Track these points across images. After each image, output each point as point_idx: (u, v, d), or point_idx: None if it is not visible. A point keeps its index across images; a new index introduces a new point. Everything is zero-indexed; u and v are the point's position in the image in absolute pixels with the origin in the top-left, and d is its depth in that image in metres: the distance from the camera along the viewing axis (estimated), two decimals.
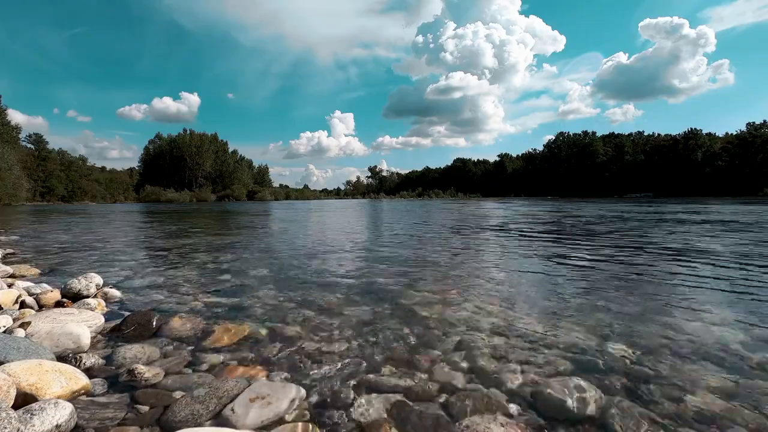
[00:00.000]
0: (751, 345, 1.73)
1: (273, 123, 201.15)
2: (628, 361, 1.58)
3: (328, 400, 1.31)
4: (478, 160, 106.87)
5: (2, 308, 2.13)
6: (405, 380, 1.43)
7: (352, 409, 1.24)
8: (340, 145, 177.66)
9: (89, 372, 1.46)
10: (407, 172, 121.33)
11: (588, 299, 2.49)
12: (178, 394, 1.32)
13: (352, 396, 1.33)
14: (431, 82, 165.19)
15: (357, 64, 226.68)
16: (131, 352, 1.63)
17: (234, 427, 1.13)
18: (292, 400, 1.27)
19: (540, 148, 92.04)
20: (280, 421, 1.19)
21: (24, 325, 1.74)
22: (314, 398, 1.32)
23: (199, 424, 1.15)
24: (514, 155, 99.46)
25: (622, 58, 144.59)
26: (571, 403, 1.26)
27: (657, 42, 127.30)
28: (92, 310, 2.17)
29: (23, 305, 2.22)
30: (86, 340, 1.71)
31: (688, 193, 55.97)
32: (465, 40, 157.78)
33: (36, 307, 2.25)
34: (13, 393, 1.14)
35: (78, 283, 2.49)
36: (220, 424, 1.16)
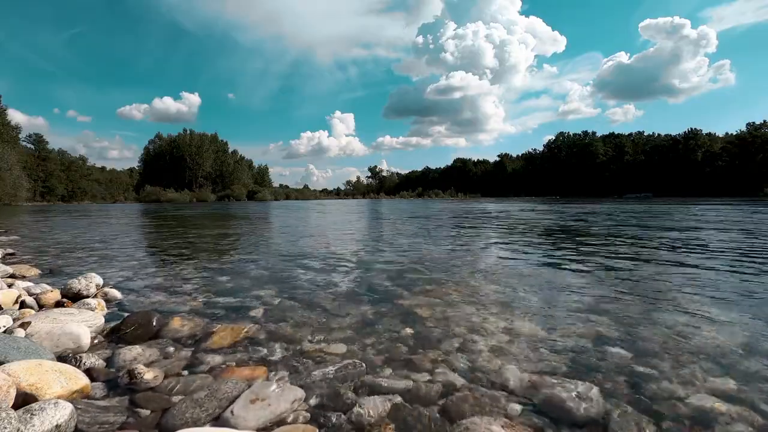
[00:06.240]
0: (752, 345, 1.73)
1: (273, 123, 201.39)
2: (628, 362, 1.58)
3: (328, 401, 1.31)
4: (478, 160, 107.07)
5: (2, 308, 2.13)
6: (405, 381, 1.43)
7: (352, 411, 1.24)
8: (340, 145, 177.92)
9: (89, 372, 1.46)
10: (407, 172, 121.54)
11: (588, 300, 2.48)
12: (177, 397, 1.32)
13: (352, 397, 1.32)
14: (431, 82, 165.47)
15: (357, 64, 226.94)
16: (131, 353, 1.63)
17: (234, 428, 1.13)
18: (292, 402, 1.26)
19: (540, 148, 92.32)
20: (280, 422, 1.19)
21: (24, 325, 1.73)
22: (314, 400, 1.31)
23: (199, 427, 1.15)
24: (515, 155, 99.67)
25: (622, 58, 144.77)
26: (571, 404, 1.26)
27: (658, 42, 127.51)
28: (92, 310, 2.17)
29: (23, 305, 2.22)
30: (86, 341, 1.71)
31: (688, 194, 55.95)
32: (465, 40, 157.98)
33: (36, 307, 2.25)
34: (13, 393, 1.14)
35: (78, 284, 2.49)
36: (220, 426, 1.16)
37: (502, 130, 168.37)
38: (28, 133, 60.99)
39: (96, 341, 1.80)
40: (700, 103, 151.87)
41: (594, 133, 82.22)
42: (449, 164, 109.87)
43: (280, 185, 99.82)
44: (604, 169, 74.63)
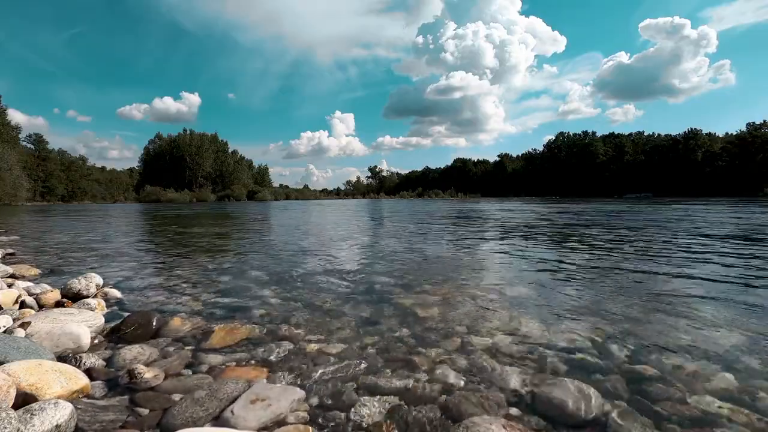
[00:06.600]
0: (752, 345, 1.73)
1: (273, 123, 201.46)
2: (628, 363, 1.58)
3: (329, 401, 1.31)
4: (478, 160, 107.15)
5: (2, 308, 2.13)
6: (405, 381, 1.43)
7: (352, 411, 1.24)
8: (340, 145, 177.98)
9: (89, 372, 1.46)
10: (407, 172, 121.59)
11: (588, 300, 2.49)
12: (177, 397, 1.32)
13: (352, 397, 1.32)
14: (431, 82, 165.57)
15: (357, 64, 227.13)
16: (131, 353, 1.63)
17: (234, 428, 1.13)
18: (292, 402, 1.26)
19: (540, 148, 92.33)
20: (280, 422, 1.18)
21: (24, 325, 1.73)
22: (314, 400, 1.31)
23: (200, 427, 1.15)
24: (514, 155, 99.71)
25: (622, 58, 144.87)
26: (571, 404, 1.26)
27: (658, 42, 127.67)
28: (92, 310, 2.17)
29: (23, 305, 2.22)
30: (86, 341, 1.71)
31: (688, 194, 55.94)
32: (465, 40, 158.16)
33: (36, 307, 2.25)
34: (13, 393, 1.14)
35: (78, 283, 2.49)
36: (220, 426, 1.16)
37: (502, 130, 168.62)
38: (28, 133, 61.23)
39: (96, 341, 1.80)
40: (700, 103, 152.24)
41: (594, 133, 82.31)
42: (449, 164, 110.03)
43: (280, 185, 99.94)
44: (604, 169, 74.63)
